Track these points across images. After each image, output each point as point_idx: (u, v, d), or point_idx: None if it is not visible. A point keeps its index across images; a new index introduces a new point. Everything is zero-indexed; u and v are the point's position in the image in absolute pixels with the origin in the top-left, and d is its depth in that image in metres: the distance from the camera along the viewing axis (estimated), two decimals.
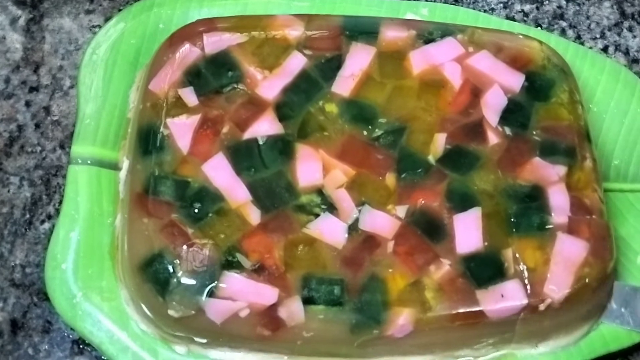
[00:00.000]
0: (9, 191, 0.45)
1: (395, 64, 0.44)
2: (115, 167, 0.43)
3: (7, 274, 0.43)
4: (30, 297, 0.43)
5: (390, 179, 0.41)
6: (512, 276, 0.38)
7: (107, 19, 0.50)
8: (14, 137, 0.47)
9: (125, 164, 0.42)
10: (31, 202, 0.45)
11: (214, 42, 0.43)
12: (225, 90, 0.42)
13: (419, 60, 0.44)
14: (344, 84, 0.43)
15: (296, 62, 0.43)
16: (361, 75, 0.43)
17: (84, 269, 0.40)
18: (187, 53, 0.43)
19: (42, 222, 0.45)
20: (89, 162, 0.43)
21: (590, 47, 0.52)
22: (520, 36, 0.46)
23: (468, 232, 0.39)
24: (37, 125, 0.47)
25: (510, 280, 0.38)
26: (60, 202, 0.45)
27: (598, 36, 0.52)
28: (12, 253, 0.44)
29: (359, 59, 0.44)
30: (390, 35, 0.44)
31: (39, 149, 0.47)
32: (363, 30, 0.45)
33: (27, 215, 0.45)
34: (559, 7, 0.53)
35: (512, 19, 0.52)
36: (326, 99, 0.43)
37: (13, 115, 0.47)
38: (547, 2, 0.53)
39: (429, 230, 0.39)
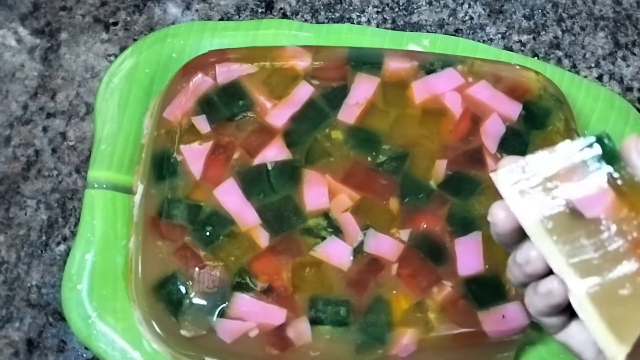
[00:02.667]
0: (26, 214, 0.47)
1: (399, 93, 0.46)
2: (129, 191, 0.45)
3: (24, 295, 0.45)
4: (46, 317, 0.44)
5: (393, 203, 0.42)
6: (513, 298, 0.40)
7: (122, 49, 0.52)
8: (32, 161, 0.49)
9: (139, 189, 0.44)
10: (47, 224, 0.47)
11: (225, 72, 0.45)
12: (236, 118, 0.44)
13: (421, 90, 0.46)
14: (350, 112, 0.45)
15: (304, 92, 0.45)
16: (366, 104, 0.45)
17: (99, 289, 0.42)
18: (200, 82, 0.45)
19: (58, 244, 0.46)
20: (104, 186, 0.44)
21: (586, 76, 0.53)
22: (517, 67, 0.48)
23: (469, 255, 0.41)
24: (53, 150, 0.49)
25: (511, 302, 0.39)
26: (76, 225, 0.46)
27: (593, 65, 0.54)
28: (29, 274, 0.45)
29: (363, 89, 0.46)
30: (394, 65, 0.46)
31: (55, 173, 0.48)
32: (367, 61, 0.47)
33: (44, 238, 0.46)
34: (555, 37, 0.55)
35: (510, 49, 0.54)
36: (332, 126, 0.44)
37: (31, 140, 0.49)
38: (543, 32, 0.55)
39: (431, 253, 0.41)
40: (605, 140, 0.28)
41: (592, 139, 0.28)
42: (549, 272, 0.28)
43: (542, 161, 0.28)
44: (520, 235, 0.29)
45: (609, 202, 0.27)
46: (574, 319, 0.29)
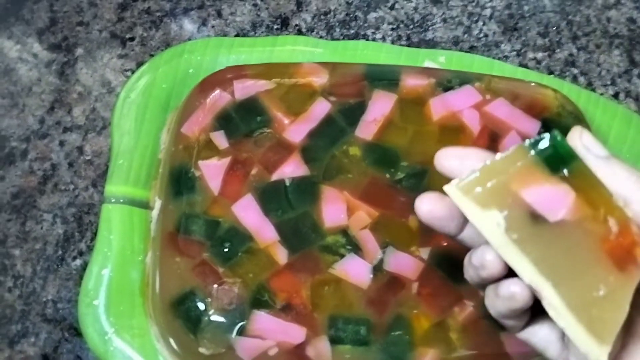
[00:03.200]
0: (42, 228, 0.47)
1: (416, 110, 0.45)
2: (146, 205, 0.45)
3: (39, 309, 0.44)
4: (62, 333, 0.44)
5: (413, 220, 0.42)
6: None
7: (139, 64, 0.52)
8: (48, 175, 0.48)
9: (157, 204, 0.44)
10: (63, 238, 0.46)
11: (243, 88, 0.45)
12: (254, 134, 0.44)
13: (439, 107, 0.46)
14: (367, 129, 0.45)
15: (321, 108, 0.45)
16: (383, 121, 0.45)
17: (116, 305, 0.41)
18: (218, 98, 0.45)
19: (74, 258, 0.46)
20: (121, 201, 0.44)
21: (602, 94, 0.53)
22: (535, 84, 0.48)
23: None
24: (70, 164, 0.49)
25: None
26: (92, 239, 0.46)
27: (609, 83, 0.54)
28: (44, 289, 0.45)
29: (381, 105, 0.45)
30: (411, 82, 0.46)
31: (72, 187, 0.48)
32: (384, 77, 0.47)
33: (60, 252, 0.46)
34: (570, 55, 0.55)
35: (526, 66, 0.54)
36: (350, 142, 0.44)
37: (47, 154, 0.49)
38: (558, 50, 0.55)
39: (452, 272, 0.41)
40: (559, 139, 0.27)
41: (546, 138, 0.27)
42: (508, 273, 0.27)
43: (496, 167, 0.27)
44: (461, 224, 0.29)
45: (570, 202, 0.26)
46: (536, 317, 0.28)
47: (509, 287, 0.26)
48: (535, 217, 0.26)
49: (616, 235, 0.26)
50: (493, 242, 0.26)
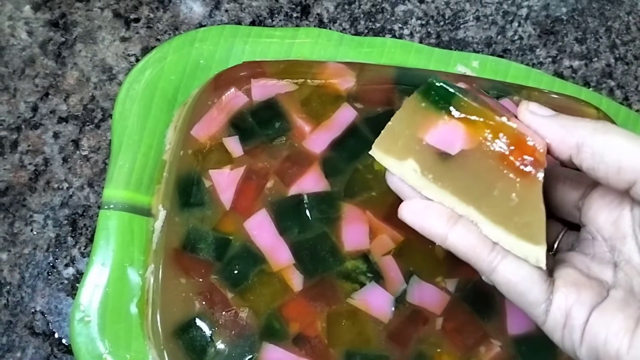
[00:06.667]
0: (32, 230, 0.43)
1: None
2: (148, 213, 0.41)
3: (27, 321, 0.41)
4: (51, 348, 0.40)
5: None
6: None
7: (144, 49, 0.47)
8: (40, 171, 0.44)
9: (161, 214, 0.40)
10: (55, 243, 0.42)
11: (261, 88, 0.41)
12: (271, 141, 0.40)
13: None
14: None
15: (346, 115, 0.41)
16: None
17: (112, 324, 0.38)
18: (233, 98, 0.41)
19: (67, 265, 0.42)
20: (120, 207, 0.40)
21: (638, 110, 0.50)
22: (576, 102, 0.44)
23: (520, 310, 0.37)
24: (64, 160, 0.45)
25: None
26: (86, 245, 0.42)
27: None
28: (33, 298, 0.41)
29: None
30: None
31: (65, 185, 0.44)
32: (416, 83, 0.43)
33: (51, 258, 0.42)
34: (608, 65, 0.52)
35: (561, 74, 0.51)
36: None
37: (39, 147, 0.45)
38: (595, 59, 0.52)
39: (479, 307, 0.38)
40: (437, 84, 0.30)
41: (426, 86, 0.30)
42: None
43: (401, 121, 0.31)
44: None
45: (462, 134, 0.29)
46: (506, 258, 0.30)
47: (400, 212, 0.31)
48: (442, 155, 0.30)
49: (511, 150, 0.29)
50: (416, 186, 0.31)
